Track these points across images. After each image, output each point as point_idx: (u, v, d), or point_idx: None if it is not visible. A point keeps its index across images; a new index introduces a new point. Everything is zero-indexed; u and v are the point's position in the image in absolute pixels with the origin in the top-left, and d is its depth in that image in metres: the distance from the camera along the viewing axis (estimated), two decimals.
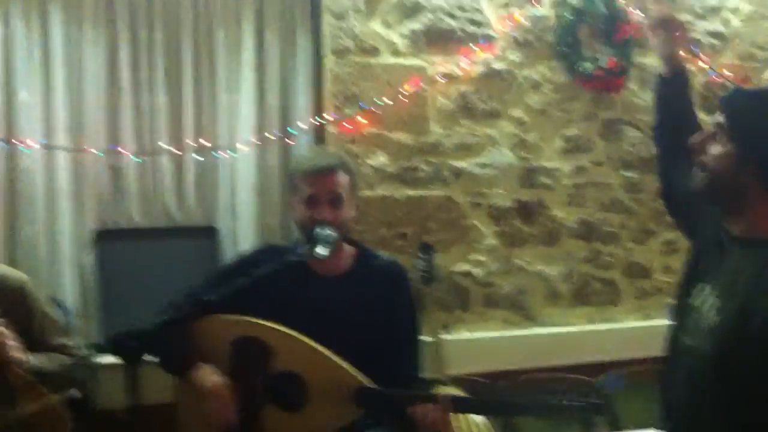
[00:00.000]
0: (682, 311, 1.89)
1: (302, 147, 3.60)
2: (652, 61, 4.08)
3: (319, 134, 3.67)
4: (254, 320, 2.41)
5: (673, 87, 2.20)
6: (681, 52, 2.24)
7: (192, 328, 2.44)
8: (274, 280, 2.22)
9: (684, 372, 1.82)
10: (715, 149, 1.79)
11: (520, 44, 3.89)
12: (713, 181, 1.80)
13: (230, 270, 2.57)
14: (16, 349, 2.27)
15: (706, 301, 1.79)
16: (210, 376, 2.37)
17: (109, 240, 3.42)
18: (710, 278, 1.81)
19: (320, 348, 2.36)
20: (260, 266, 2.31)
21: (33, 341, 2.42)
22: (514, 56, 3.89)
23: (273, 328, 2.39)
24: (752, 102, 1.83)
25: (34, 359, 2.35)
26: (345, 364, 2.35)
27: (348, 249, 2.55)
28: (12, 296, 2.44)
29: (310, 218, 2.39)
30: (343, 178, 2.44)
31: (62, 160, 3.31)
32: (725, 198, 1.81)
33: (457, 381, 3.44)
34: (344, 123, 3.61)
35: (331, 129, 3.62)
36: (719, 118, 1.81)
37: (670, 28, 2.20)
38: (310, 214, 2.39)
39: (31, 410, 2.19)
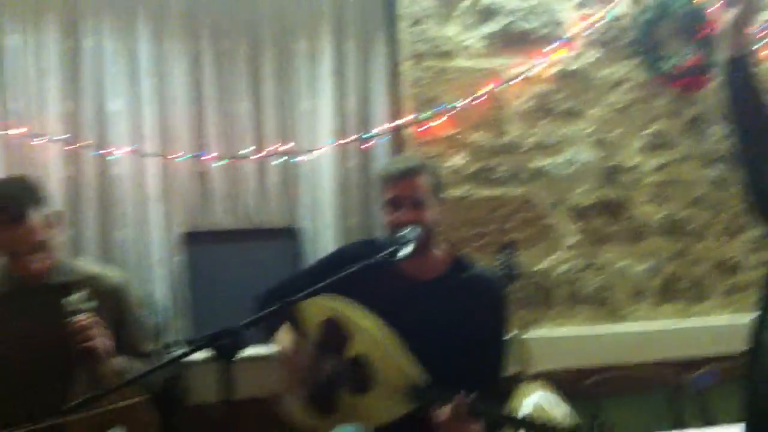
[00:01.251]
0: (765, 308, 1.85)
1: (380, 150, 3.67)
2: None
3: (397, 137, 3.72)
4: (346, 303, 2.48)
5: (743, 68, 2.12)
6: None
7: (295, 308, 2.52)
8: (364, 277, 2.19)
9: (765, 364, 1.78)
10: None
11: (597, 44, 3.87)
12: None
13: (328, 262, 2.68)
14: (106, 345, 2.35)
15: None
16: (283, 337, 2.53)
17: (197, 242, 3.53)
18: None
19: (394, 339, 2.40)
20: (355, 259, 2.27)
21: (123, 344, 2.50)
22: (592, 55, 3.87)
23: (358, 312, 2.46)
24: None
25: (122, 362, 2.43)
26: (408, 359, 2.38)
27: (440, 255, 2.54)
28: (109, 296, 2.53)
29: (391, 221, 2.43)
30: (422, 180, 2.46)
31: (151, 166, 3.44)
32: None
33: (544, 376, 3.41)
34: (421, 126, 3.64)
35: (409, 132, 3.66)
36: None
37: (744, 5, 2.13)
38: (391, 217, 2.44)
39: (117, 408, 2.24)
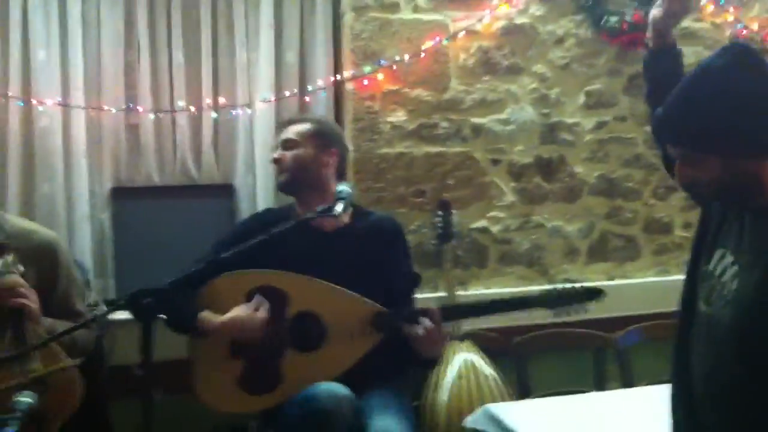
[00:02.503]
0: (697, 276, 1.87)
1: (320, 105, 3.60)
2: None
3: (338, 92, 3.66)
4: (265, 271, 2.59)
5: (667, 60, 2.12)
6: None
7: (207, 288, 2.61)
8: (279, 238, 2.29)
9: (702, 338, 1.81)
10: (700, 172, 1.71)
11: None
12: (723, 193, 1.73)
13: (237, 233, 2.76)
14: (35, 305, 2.31)
15: (727, 269, 1.76)
16: (212, 318, 2.57)
17: (126, 198, 3.45)
18: (730, 246, 1.78)
19: (333, 286, 2.56)
20: (261, 228, 2.42)
21: (54, 302, 2.47)
22: (537, 10, 3.82)
23: (284, 275, 2.58)
24: (689, 108, 1.71)
25: (49, 323, 2.39)
26: (359, 296, 2.54)
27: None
28: (41, 253, 2.48)
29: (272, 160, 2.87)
30: (298, 129, 2.82)
31: (79, 118, 3.33)
32: (741, 197, 1.74)
33: (471, 336, 3.48)
34: (363, 80, 3.58)
35: (350, 86, 3.59)
36: (678, 150, 1.73)
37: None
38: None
39: (45, 370, 2.22)
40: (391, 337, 2.55)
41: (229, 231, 2.94)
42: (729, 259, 1.77)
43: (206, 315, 2.58)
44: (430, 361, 2.78)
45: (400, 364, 2.71)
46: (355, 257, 2.67)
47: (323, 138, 2.81)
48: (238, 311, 2.55)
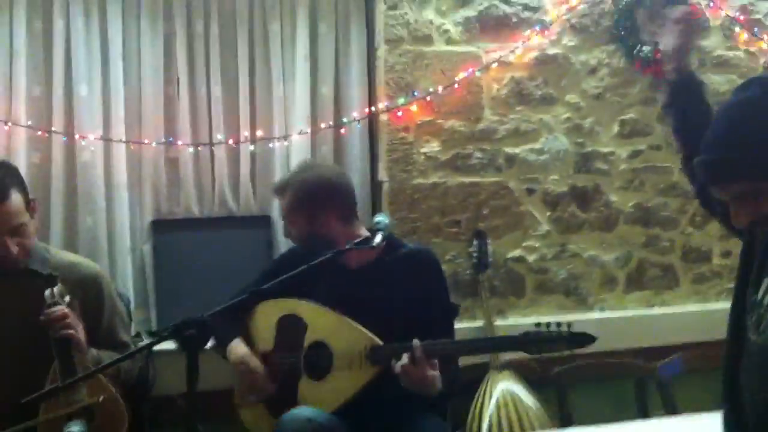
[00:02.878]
0: (744, 305, 1.84)
1: (355, 136, 3.64)
2: (713, 43, 4.01)
3: (372, 123, 3.70)
4: (295, 300, 2.68)
5: (689, 92, 2.12)
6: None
7: (249, 314, 2.75)
8: (313, 272, 2.29)
9: (755, 368, 1.78)
10: (765, 204, 1.66)
11: (575, 29, 3.84)
12: None
13: (277, 264, 2.85)
14: (81, 336, 2.35)
15: None
16: (236, 348, 2.67)
17: (166, 230, 3.48)
18: None
19: (343, 317, 2.58)
20: (300, 260, 2.41)
21: (100, 333, 2.52)
22: (570, 41, 3.85)
23: (308, 304, 2.66)
24: (742, 141, 1.66)
25: (96, 353, 2.44)
26: (361, 328, 2.54)
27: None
28: (86, 285, 2.54)
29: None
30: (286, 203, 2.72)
31: (120, 152, 3.39)
32: None
33: (511, 366, 3.46)
34: (397, 112, 3.61)
35: (384, 118, 3.63)
36: (737, 186, 1.68)
37: (687, 27, 2.12)
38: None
39: (92, 399, 2.25)
40: (387, 370, 2.49)
41: (271, 263, 3.02)
42: None
43: (235, 344, 2.69)
44: (428, 399, 2.52)
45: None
46: (385, 293, 2.62)
47: (308, 206, 2.66)
48: (252, 360, 2.67)
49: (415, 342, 2.39)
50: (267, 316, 2.72)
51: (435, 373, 2.40)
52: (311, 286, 2.63)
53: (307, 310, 2.65)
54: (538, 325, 2.38)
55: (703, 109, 2.11)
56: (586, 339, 2.38)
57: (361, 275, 2.68)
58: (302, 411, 2.47)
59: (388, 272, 2.67)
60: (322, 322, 2.62)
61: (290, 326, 2.67)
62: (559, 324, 2.36)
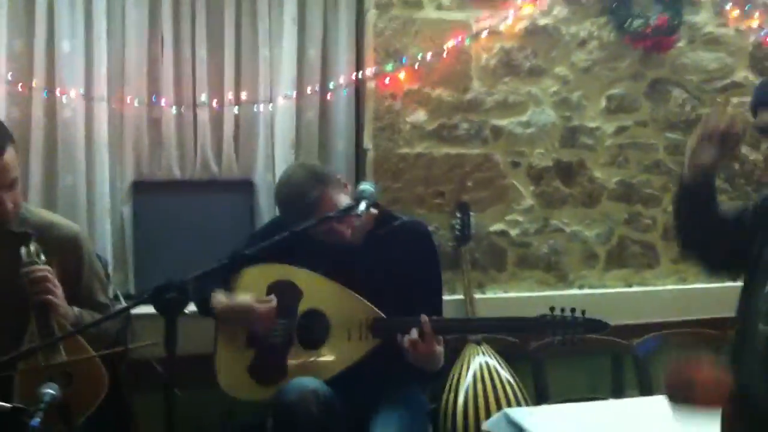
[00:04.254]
0: (756, 296, 1.84)
1: (341, 102, 3.60)
2: (703, 19, 3.98)
3: (359, 89, 3.65)
4: (286, 266, 2.62)
5: (701, 196, 2.01)
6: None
7: (234, 279, 2.68)
8: (301, 240, 2.29)
9: (762, 357, 1.79)
10: None
11: (567, 0, 3.80)
12: None
13: (267, 229, 2.78)
14: (60, 298, 2.32)
15: None
16: (221, 296, 2.61)
17: (147, 191, 3.44)
18: None
19: (342, 287, 2.57)
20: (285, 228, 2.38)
21: (78, 295, 2.49)
22: (561, 12, 3.80)
23: (302, 272, 2.62)
24: None
25: (77, 312, 2.41)
26: (363, 300, 2.54)
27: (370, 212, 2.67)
28: (64, 246, 2.49)
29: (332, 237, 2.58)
30: (330, 194, 2.56)
31: (102, 111, 3.33)
32: None
33: (488, 340, 3.47)
34: (385, 79, 3.57)
35: (371, 84, 3.58)
36: None
37: (726, 141, 1.94)
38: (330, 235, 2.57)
39: (71, 360, 2.23)
40: (388, 343, 2.52)
41: (260, 228, 2.97)
42: None
43: (218, 296, 2.62)
44: (427, 373, 2.57)
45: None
46: (378, 266, 2.61)
47: (332, 192, 2.60)
48: (245, 297, 2.59)
49: (424, 317, 2.42)
50: (256, 281, 2.65)
51: (440, 349, 2.46)
52: (301, 257, 2.59)
53: (302, 277, 2.62)
54: (551, 309, 2.43)
55: (710, 216, 2.02)
56: (601, 326, 2.43)
57: (353, 248, 2.64)
58: (306, 382, 2.43)
59: (380, 245, 2.65)
60: (319, 291, 2.59)
61: (283, 292, 2.62)
62: (573, 309, 2.42)
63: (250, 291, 2.63)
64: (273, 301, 2.58)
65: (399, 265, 2.61)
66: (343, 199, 2.58)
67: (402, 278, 2.59)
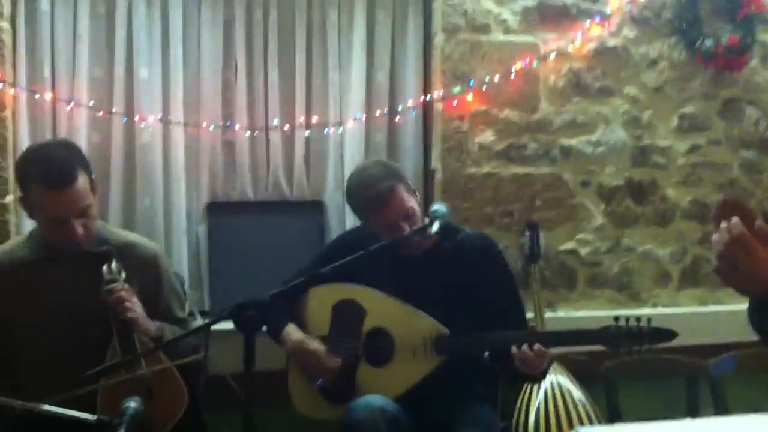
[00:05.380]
0: None
1: (410, 124, 3.65)
2: None
3: (427, 112, 3.69)
4: (351, 285, 2.65)
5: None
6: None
7: (301, 299, 2.72)
8: (372, 257, 2.32)
9: None
10: None
11: (636, 21, 3.79)
12: None
13: (334, 248, 2.82)
14: (141, 316, 2.38)
15: None
16: (292, 333, 2.66)
17: (221, 212, 3.53)
18: None
19: (406, 304, 2.57)
20: (356, 244, 2.44)
21: (157, 311, 2.55)
22: (630, 33, 3.79)
23: (367, 290, 2.64)
24: None
25: (159, 325, 2.48)
26: (426, 316, 2.54)
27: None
28: (144, 264, 2.57)
29: (391, 235, 2.55)
30: (402, 191, 2.57)
31: (179, 135, 3.44)
32: None
33: (560, 358, 3.44)
34: (452, 101, 3.59)
35: (439, 107, 3.62)
36: None
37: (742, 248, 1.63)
38: (390, 231, 2.55)
39: (152, 374, 2.28)
40: (453, 359, 2.53)
41: (324, 248, 3.01)
42: None
43: (290, 329, 2.67)
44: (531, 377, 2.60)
45: (488, 383, 2.69)
46: (445, 279, 2.62)
47: (403, 190, 2.61)
48: (311, 342, 2.64)
49: (533, 329, 2.56)
50: (321, 301, 2.70)
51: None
52: (368, 274, 2.61)
53: (365, 296, 2.64)
54: (616, 319, 2.37)
55: None
56: (668, 334, 2.38)
57: (420, 263, 2.65)
58: (374, 400, 2.45)
59: (447, 258, 2.65)
60: (383, 309, 2.61)
61: (347, 312, 2.65)
62: (638, 319, 2.35)
63: (316, 313, 2.69)
64: (339, 362, 2.62)
65: (468, 277, 2.61)
66: (413, 203, 2.60)
67: (471, 291, 2.59)
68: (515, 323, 2.59)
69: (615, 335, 2.38)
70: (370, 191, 2.54)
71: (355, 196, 2.65)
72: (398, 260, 2.64)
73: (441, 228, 2.48)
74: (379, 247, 2.38)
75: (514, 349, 2.40)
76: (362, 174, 2.64)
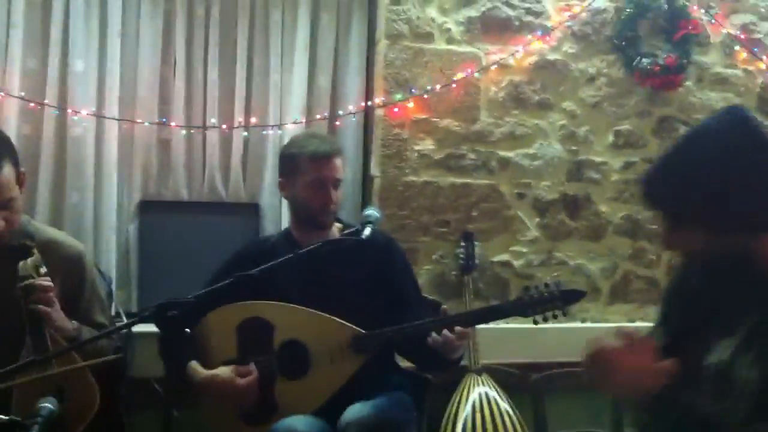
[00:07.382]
0: (691, 369, 1.64)
1: (350, 129, 3.64)
2: (711, 59, 4.01)
3: (368, 118, 3.68)
4: (252, 302, 2.56)
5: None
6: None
7: (198, 328, 2.59)
8: (273, 274, 2.29)
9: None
10: (684, 242, 1.62)
11: (576, 36, 3.84)
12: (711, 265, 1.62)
13: (229, 267, 2.66)
14: (55, 311, 2.31)
15: (736, 358, 1.57)
16: (197, 371, 2.52)
17: (153, 211, 3.47)
18: (733, 331, 1.60)
19: (314, 311, 2.52)
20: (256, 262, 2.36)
21: (77, 313, 2.49)
22: (570, 48, 3.84)
23: (270, 305, 2.56)
24: (669, 174, 1.60)
25: (76, 326, 2.42)
26: (338, 320, 2.50)
27: (336, 226, 2.76)
28: (68, 264, 2.50)
29: (315, 200, 2.62)
30: (342, 163, 2.69)
31: (112, 130, 3.36)
32: (731, 272, 1.61)
33: (489, 370, 3.46)
34: (393, 108, 3.59)
35: (380, 113, 3.61)
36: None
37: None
38: (314, 196, 2.62)
39: (62, 373, 2.19)
40: (375, 357, 2.50)
41: (224, 262, 2.81)
42: (735, 346, 1.62)
43: (193, 367, 2.54)
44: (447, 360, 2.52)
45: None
46: (348, 281, 2.62)
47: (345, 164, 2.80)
48: (220, 372, 2.51)
49: (444, 310, 2.46)
50: (223, 324, 2.58)
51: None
52: (273, 287, 2.53)
53: (269, 310, 2.56)
54: (526, 288, 2.41)
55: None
56: (578, 294, 2.42)
57: (319, 268, 2.60)
58: (295, 422, 2.38)
59: (349, 259, 2.62)
60: (291, 320, 2.53)
61: (254, 330, 2.55)
62: (546, 284, 2.39)
63: (219, 337, 2.57)
64: (254, 372, 2.51)
65: (373, 273, 2.64)
66: (342, 178, 2.73)
67: (378, 285, 2.62)
68: (423, 314, 2.55)
69: (528, 304, 2.38)
70: (316, 145, 2.64)
71: (296, 149, 2.69)
72: (301, 268, 2.53)
73: (372, 234, 2.46)
74: (310, 250, 2.37)
75: (434, 335, 2.39)
76: (310, 132, 2.83)
